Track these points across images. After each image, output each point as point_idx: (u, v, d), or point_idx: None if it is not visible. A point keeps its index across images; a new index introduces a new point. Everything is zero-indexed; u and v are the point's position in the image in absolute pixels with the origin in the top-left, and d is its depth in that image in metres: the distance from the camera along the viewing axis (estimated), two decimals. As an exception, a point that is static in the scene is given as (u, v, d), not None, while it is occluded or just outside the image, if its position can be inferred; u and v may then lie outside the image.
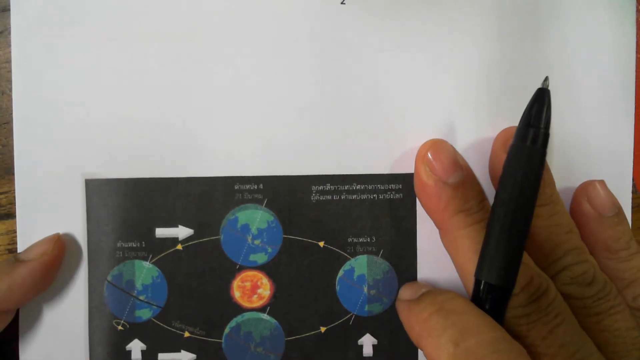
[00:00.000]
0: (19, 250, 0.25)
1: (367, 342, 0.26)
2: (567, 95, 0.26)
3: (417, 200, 0.25)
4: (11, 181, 0.26)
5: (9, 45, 0.25)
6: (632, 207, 0.26)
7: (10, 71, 0.25)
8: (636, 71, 0.26)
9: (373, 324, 0.26)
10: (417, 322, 0.21)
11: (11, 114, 0.25)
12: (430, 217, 0.24)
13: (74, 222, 0.25)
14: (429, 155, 0.23)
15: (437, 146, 0.24)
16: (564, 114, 0.26)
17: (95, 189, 0.25)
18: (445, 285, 0.26)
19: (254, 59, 0.25)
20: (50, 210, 0.25)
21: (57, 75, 0.25)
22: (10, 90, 0.25)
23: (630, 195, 0.26)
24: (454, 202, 0.22)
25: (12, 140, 0.25)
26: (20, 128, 0.25)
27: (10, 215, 0.26)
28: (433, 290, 0.23)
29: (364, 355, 0.26)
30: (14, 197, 0.25)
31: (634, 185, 0.26)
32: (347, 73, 0.25)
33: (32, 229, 0.25)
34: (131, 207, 0.25)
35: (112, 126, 0.25)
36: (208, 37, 0.25)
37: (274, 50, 0.25)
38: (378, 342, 0.26)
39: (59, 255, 0.24)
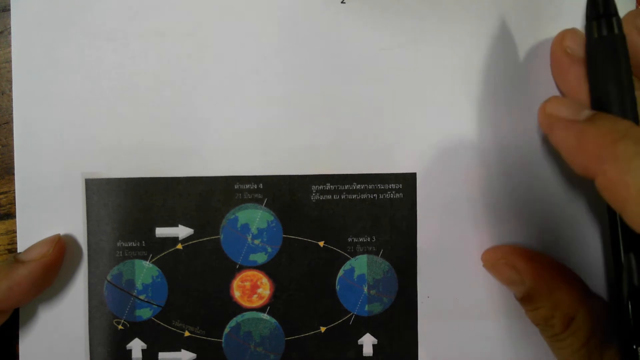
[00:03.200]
0: (18, 251, 0.25)
1: (367, 342, 0.26)
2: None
3: (417, 199, 0.25)
4: (11, 181, 0.26)
5: (9, 45, 0.25)
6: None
7: (10, 71, 0.25)
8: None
9: (373, 323, 0.26)
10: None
11: (11, 114, 0.25)
12: (575, 161, 0.21)
13: (74, 222, 0.25)
14: None
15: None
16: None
17: (95, 189, 0.25)
18: (446, 285, 0.26)
19: (254, 58, 0.25)
20: (50, 209, 0.25)
21: (57, 75, 0.25)
22: (10, 90, 0.25)
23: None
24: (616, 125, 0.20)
25: (12, 140, 0.25)
26: (20, 128, 0.25)
27: (10, 215, 0.26)
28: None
29: (364, 354, 0.26)
30: (14, 197, 0.25)
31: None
32: (347, 72, 0.25)
33: (32, 229, 0.25)
34: (131, 207, 0.25)
35: (112, 126, 0.25)
36: (208, 36, 0.25)
37: (274, 50, 0.25)
38: (378, 341, 0.26)
39: (58, 257, 0.24)
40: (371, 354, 0.26)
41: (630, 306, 0.21)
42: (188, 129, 0.25)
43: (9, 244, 0.26)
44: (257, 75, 0.25)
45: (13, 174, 0.25)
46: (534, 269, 0.23)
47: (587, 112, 0.21)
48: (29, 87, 0.25)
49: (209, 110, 0.25)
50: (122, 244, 0.25)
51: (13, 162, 0.25)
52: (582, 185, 0.26)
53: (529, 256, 0.24)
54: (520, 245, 0.25)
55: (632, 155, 0.19)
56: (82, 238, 0.25)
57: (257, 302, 0.26)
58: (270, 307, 0.26)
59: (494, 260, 0.25)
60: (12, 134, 0.25)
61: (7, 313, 0.24)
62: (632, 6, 0.26)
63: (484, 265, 0.25)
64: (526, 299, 0.23)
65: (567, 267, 0.24)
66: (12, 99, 0.25)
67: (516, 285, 0.24)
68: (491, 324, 0.26)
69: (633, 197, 0.18)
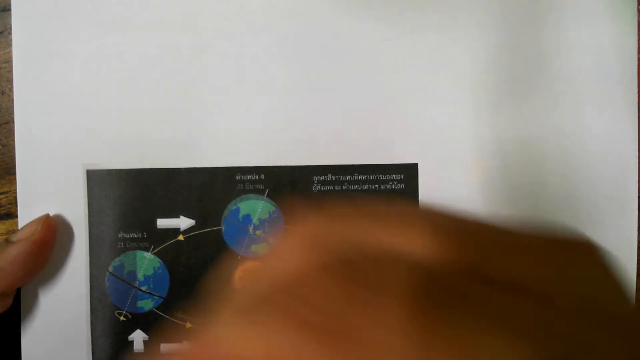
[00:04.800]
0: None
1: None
2: (568, 97, 0.26)
3: (418, 189, 0.25)
4: (11, 181, 0.25)
5: (10, 45, 0.25)
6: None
7: (10, 71, 0.25)
8: (638, 72, 0.26)
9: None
10: None
11: (11, 114, 0.25)
12: None
13: (75, 213, 0.25)
14: None
15: None
16: (565, 116, 0.26)
17: (97, 180, 0.25)
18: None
19: (255, 49, 0.25)
20: (52, 200, 0.25)
21: (57, 67, 0.25)
22: (11, 90, 0.25)
23: (635, 198, 0.26)
24: None
25: (12, 140, 0.25)
26: (21, 127, 0.25)
27: (10, 215, 0.26)
28: None
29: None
30: (14, 197, 0.25)
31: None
32: (350, 63, 0.25)
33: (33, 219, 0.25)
34: (132, 198, 0.25)
35: (113, 117, 0.25)
36: (209, 27, 0.25)
37: (275, 41, 0.25)
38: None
39: (48, 235, 0.24)
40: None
41: None
42: (189, 120, 0.25)
43: (9, 241, 0.26)
44: (259, 66, 0.25)
45: (14, 174, 0.25)
46: None
47: None
48: (30, 86, 0.25)
49: (210, 101, 0.25)
50: (123, 235, 0.25)
51: (14, 162, 0.25)
52: (581, 178, 0.26)
53: None
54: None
55: None
56: (83, 229, 0.25)
57: (258, 293, 0.26)
58: (272, 298, 0.26)
59: None
60: (13, 133, 0.25)
61: (4, 297, 0.24)
62: (633, 7, 0.26)
63: None
64: None
65: None
66: (12, 98, 0.25)
67: None
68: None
69: None
